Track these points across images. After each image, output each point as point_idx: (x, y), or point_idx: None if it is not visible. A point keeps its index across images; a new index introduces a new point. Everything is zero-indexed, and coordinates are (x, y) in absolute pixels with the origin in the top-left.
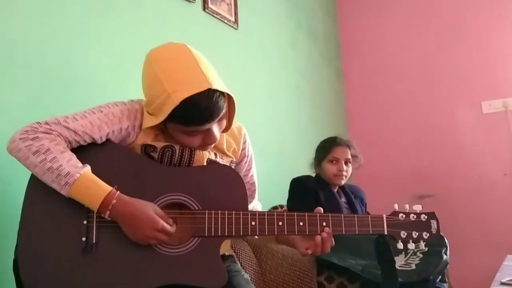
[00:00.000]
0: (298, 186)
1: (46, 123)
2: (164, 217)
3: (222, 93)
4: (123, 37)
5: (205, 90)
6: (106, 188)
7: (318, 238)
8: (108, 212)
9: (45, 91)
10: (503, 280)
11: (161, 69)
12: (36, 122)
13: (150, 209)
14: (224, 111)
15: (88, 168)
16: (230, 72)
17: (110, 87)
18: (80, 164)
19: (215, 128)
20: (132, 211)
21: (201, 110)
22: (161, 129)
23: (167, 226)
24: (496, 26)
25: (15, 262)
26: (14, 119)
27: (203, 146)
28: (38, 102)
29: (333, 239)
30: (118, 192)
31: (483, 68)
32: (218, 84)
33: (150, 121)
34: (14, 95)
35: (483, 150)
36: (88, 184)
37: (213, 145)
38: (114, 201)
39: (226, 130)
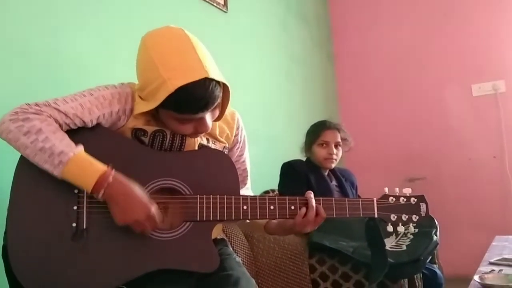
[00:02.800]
0: (289, 171)
1: (36, 105)
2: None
3: (218, 82)
4: (111, 21)
5: (201, 79)
6: (101, 166)
7: (303, 210)
8: (102, 191)
9: (31, 75)
10: (492, 260)
11: (157, 54)
12: (26, 104)
13: (144, 194)
14: (219, 100)
15: (81, 147)
16: (219, 55)
17: (97, 71)
18: (73, 144)
19: (208, 117)
20: (128, 192)
21: (196, 99)
22: (153, 114)
23: (157, 215)
24: (486, 9)
25: (4, 248)
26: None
27: (195, 134)
28: (24, 86)
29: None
30: (114, 170)
31: (473, 51)
32: (214, 73)
33: (142, 107)
34: (0, 79)
35: (473, 132)
36: (82, 163)
37: (204, 133)
38: (111, 179)
39: (218, 119)
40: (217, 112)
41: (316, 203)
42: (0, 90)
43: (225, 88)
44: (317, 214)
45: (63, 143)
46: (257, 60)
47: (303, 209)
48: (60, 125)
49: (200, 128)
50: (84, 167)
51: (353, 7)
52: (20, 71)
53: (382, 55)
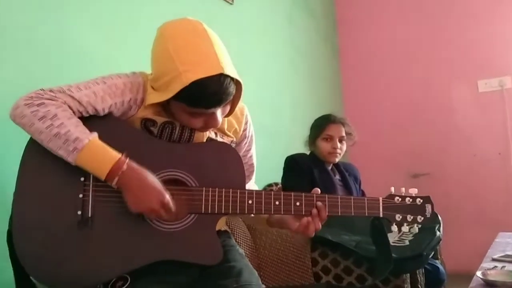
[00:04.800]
0: (293, 164)
1: (51, 91)
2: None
3: (232, 79)
4: (115, 11)
5: (216, 75)
6: (116, 154)
7: (305, 219)
8: (117, 178)
9: (34, 65)
10: (495, 257)
11: (174, 46)
12: (40, 89)
13: (158, 181)
14: (231, 97)
15: (96, 134)
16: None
17: (100, 61)
18: (87, 131)
19: (219, 113)
20: (142, 180)
21: (210, 94)
22: (163, 105)
23: (171, 203)
24: (493, 4)
25: (9, 233)
26: (4, 92)
27: (204, 128)
28: (27, 76)
29: (323, 214)
30: (128, 158)
31: (479, 46)
32: (230, 69)
33: (155, 97)
34: (3, 70)
35: (478, 129)
36: (97, 150)
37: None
38: (125, 166)
39: (228, 115)
40: (228, 108)
41: (321, 204)
42: (5, 79)
43: (237, 85)
44: (320, 220)
45: (78, 129)
46: (262, 52)
47: (305, 221)
48: (74, 112)
49: (210, 123)
50: (98, 154)
51: (359, 1)
52: (22, 63)
53: (388, 49)
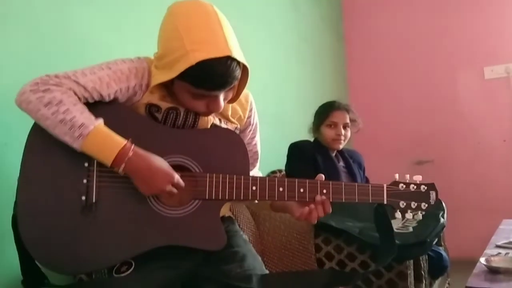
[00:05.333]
0: (296, 151)
1: (56, 76)
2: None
3: (239, 63)
4: None
5: (224, 57)
6: (121, 140)
7: (307, 207)
8: (123, 165)
9: (38, 51)
10: (498, 243)
11: (183, 25)
12: (45, 75)
13: (164, 163)
14: (236, 82)
15: (101, 120)
16: None
17: (104, 48)
18: (93, 117)
19: (222, 97)
20: (149, 164)
21: (216, 75)
22: (168, 90)
23: (181, 180)
24: None
25: (14, 217)
26: (7, 80)
27: (206, 113)
28: (31, 62)
29: (327, 207)
30: (134, 145)
31: (486, 32)
32: (237, 53)
33: (160, 77)
34: (6, 55)
35: (483, 116)
36: (103, 136)
37: (215, 113)
38: (131, 153)
39: (232, 101)
40: (230, 94)
41: (326, 193)
42: (6, 67)
43: (243, 71)
44: (324, 210)
45: (84, 115)
46: (267, 39)
47: (307, 209)
48: (79, 98)
49: (212, 106)
50: (104, 140)
51: None
52: (26, 48)
53: (393, 36)
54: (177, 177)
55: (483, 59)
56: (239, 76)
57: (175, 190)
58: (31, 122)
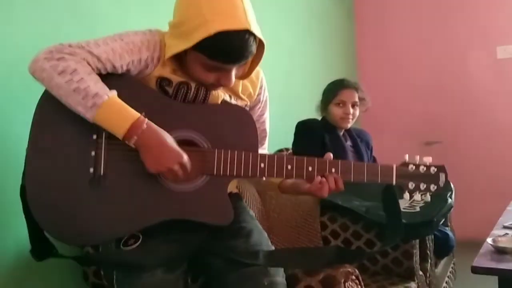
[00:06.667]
0: (304, 130)
1: (70, 46)
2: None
3: (255, 38)
4: None
5: (242, 30)
6: (135, 113)
7: (318, 178)
8: (135, 137)
9: (46, 25)
10: (506, 224)
11: None
12: (59, 44)
13: (175, 142)
14: (250, 58)
15: (115, 92)
16: None
17: (113, 23)
18: (107, 88)
19: (234, 72)
20: (161, 140)
21: (233, 48)
22: (180, 63)
23: (189, 164)
24: None
25: (23, 188)
26: (14, 55)
27: (216, 86)
28: (38, 36)
29: (339, 183)
30: (147, 119)
31: (500, 11)
32: (255, 28)
33: (175, 47)
34: (13, 30)
35: (494, 96)
36: (116, 107)
37: (225, 88)
38: (145, 126)
39: (243, 77)
40: (241, 70)
41: (334, 172)
42: (13, 42)
43: (258, 49)
44: (336, 184)
45: (98, 85)
46: (276, 14)
47: (319, 179)
48: (92, 69)
49: (223, 80)
50: (118, 111)
51: None
52: (33, 23)
53: (405, 14)
54: (185, 158)
55: (496, 38)
56: (254, 52)
57: (180, 172)
58: (39, 93)
